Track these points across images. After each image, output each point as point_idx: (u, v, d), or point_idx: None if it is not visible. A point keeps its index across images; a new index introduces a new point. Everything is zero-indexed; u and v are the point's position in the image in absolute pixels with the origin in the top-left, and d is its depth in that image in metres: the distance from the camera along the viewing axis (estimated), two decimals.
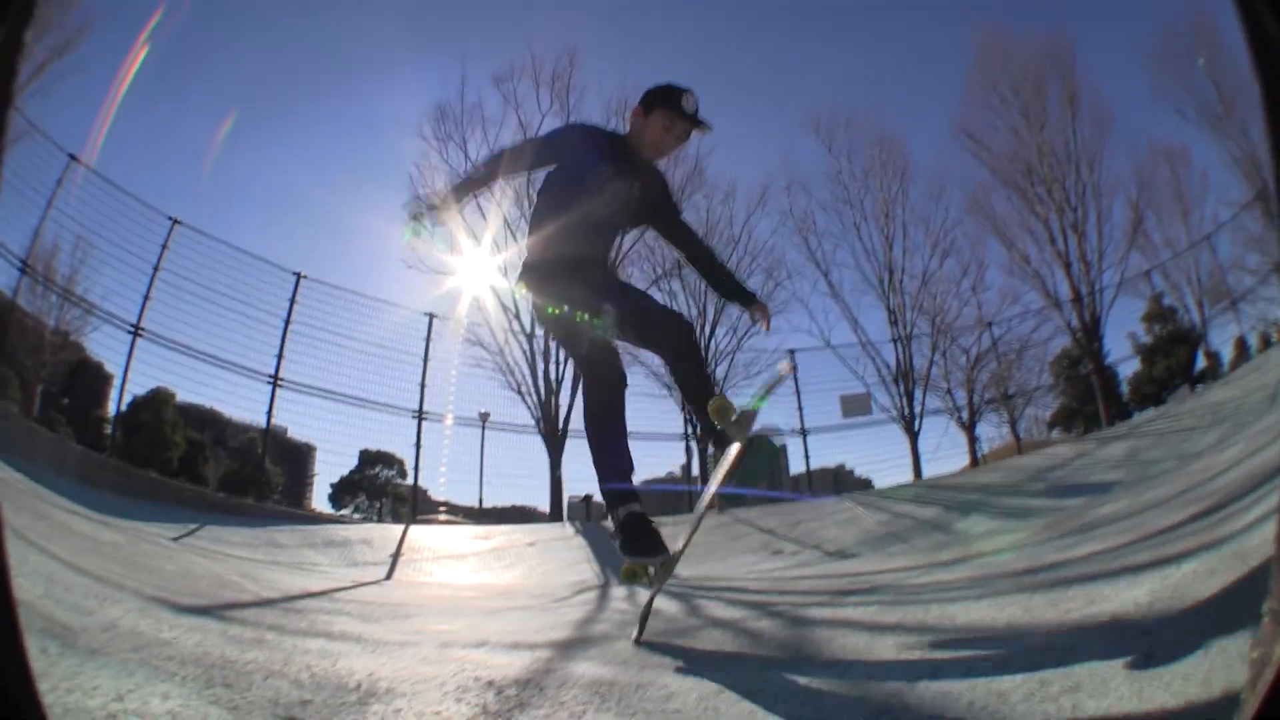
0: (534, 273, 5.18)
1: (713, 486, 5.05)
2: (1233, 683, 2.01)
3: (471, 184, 5.45)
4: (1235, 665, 2.11)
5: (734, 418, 4.76)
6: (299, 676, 3.26)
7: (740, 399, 4.93)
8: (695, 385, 5.03)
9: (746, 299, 5.62)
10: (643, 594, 5.10)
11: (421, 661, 3.90)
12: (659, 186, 5.52)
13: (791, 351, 27.34)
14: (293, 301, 21.35)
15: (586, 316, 4.85)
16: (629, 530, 4.56)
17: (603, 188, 5.09)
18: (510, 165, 5.35)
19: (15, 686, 1.45)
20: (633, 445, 4.93)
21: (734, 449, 4.75)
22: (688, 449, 28.47)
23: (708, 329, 29.81)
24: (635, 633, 4.47)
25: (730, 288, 5.73)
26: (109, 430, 27.87)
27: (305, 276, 21.61)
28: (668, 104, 5.11)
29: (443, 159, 29.05)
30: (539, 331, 27.15)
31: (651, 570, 4.54)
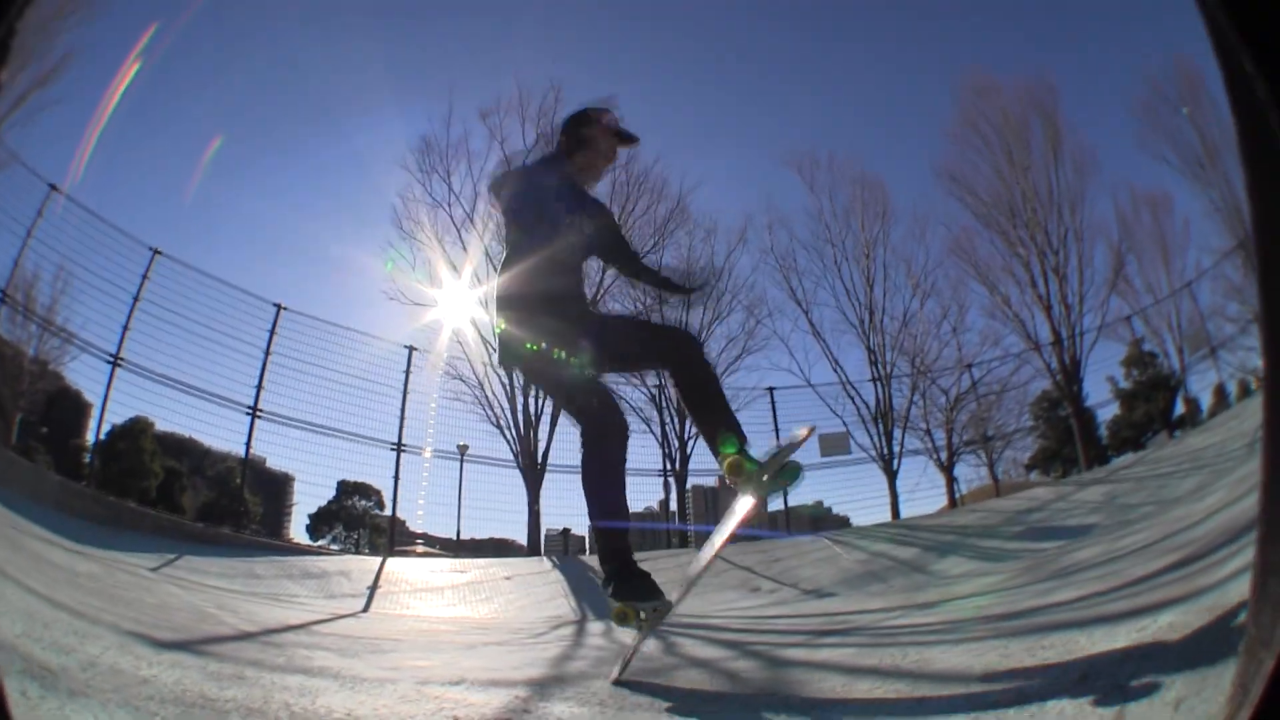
0: (511, 307, 5.00)
1: (718, 540, 4.75)
2: None
3: None
4: None
5: (749, 476, 4.56)
6: (278, 715, 3.25)
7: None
8: (711, 412, 4.90)
9: (679, 288, 5.83)
10: (623, 633, 5.04)
11: (400, 700, 3.90)
12: (605, 218, 5.52)
13: (771, 389, 27.33)
14: (273, 332, 21.43)
15: (564, 354, 4.73)
16: (622, 574, 4.52)
17: (563, 219, 5.04)
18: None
19: None
20: None
21: (747, 504, 4.54)
22: (666, 484, 28.46)
23: None
24: (615, 671, 4.43)
25: (662, 282, 5.83)
26: (87, 459, 27.77)
27: (285, 308, 21.68)
28: (591, 126, 5.20)
29: (427, 191, 29.15)
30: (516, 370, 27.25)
31: (643, 614, 4.46)
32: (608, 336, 4.98)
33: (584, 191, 5.37)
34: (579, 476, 4.74)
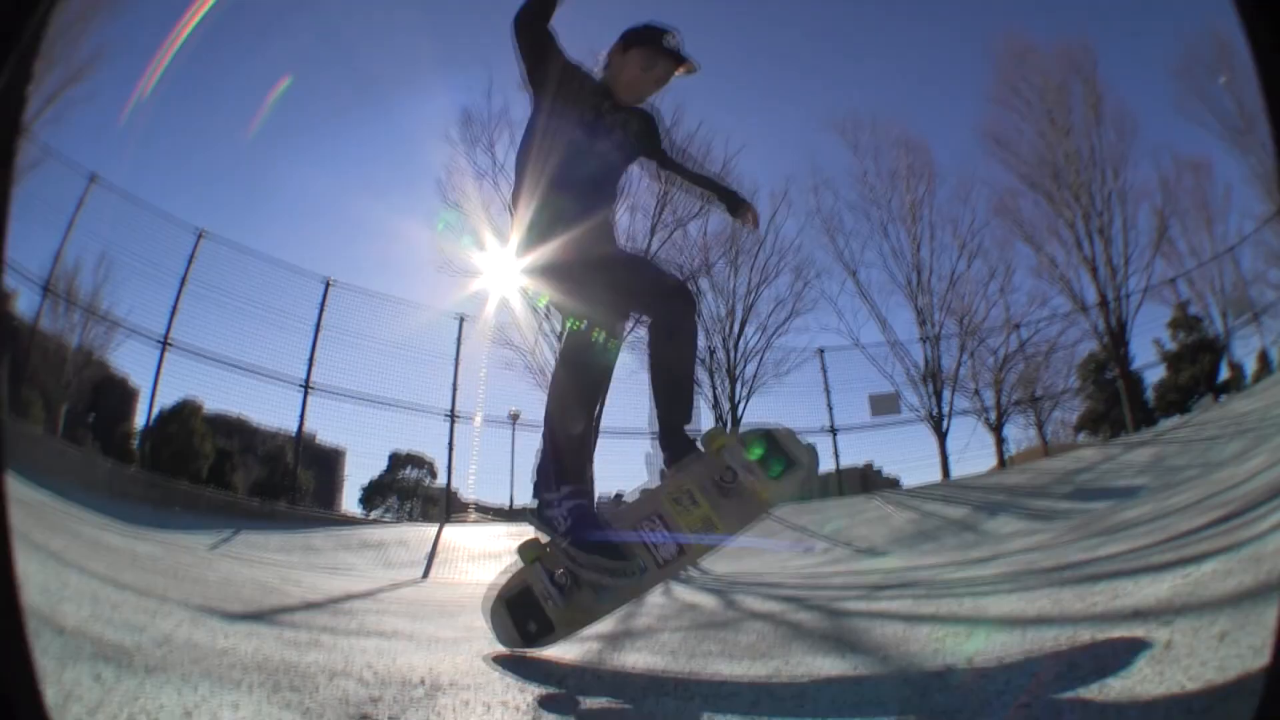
0: (552, 278, 4.65)
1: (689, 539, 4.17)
2: (1247, 670, 2.17)
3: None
4: (1249, 655, 2.26)
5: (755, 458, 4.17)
6: (363, 675, 3.32)
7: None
8: (672, 388, 4.59)
9: (731, 197, 5.35)
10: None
11: (478, 655, 4.02)
12: (651, 125, 5.10)
13: (821, 350, 27.31)
14: (322, 307, 21.58)
15: (602, 336, 4.46)
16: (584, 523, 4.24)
17: (600, 126, 4.71)
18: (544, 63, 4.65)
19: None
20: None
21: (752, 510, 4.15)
22: None
23: (735, 327, 30.05)
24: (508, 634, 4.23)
25: (715, 187, 5.46)
26: (136, 444, 28.05)
27: (334, 282, 21.81)
28: (647, 41, 4.75)
29: (470, 162, 29.13)
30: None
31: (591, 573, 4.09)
32: (615, 260, 4.88)
33: (623, 105, 4.91)
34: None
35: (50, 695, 2.34)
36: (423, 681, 3.27)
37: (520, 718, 2.69)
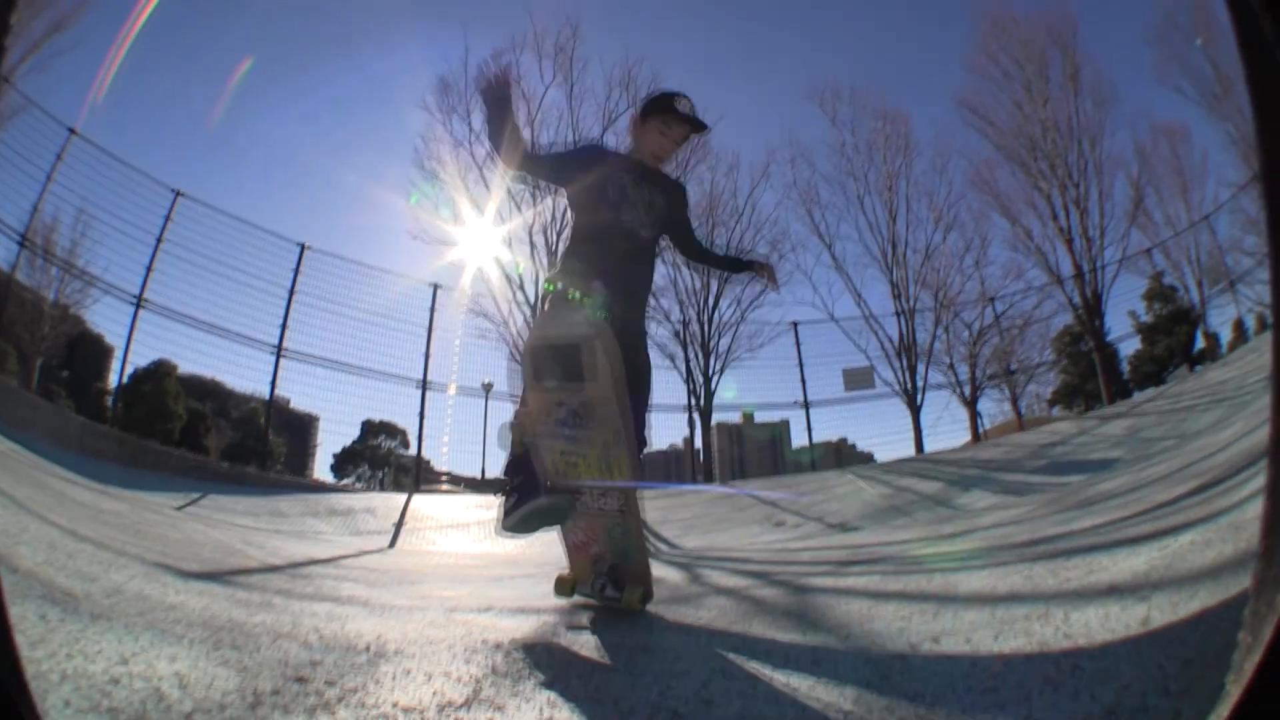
0: (571, 261, 5.00)
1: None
2: (1225, 646, 2.07)
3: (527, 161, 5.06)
4: (1229, 629, 2.16)
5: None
6: (308, 638, 3.29)
7: None
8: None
9: (745, 266, 5.93)
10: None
11: (429, 625, 3.95)
12: (678, 198, 5.50)
13: (795, 323, 27.27)
14: (297, 272, 21.46)
15: (578, 296, 4.63)
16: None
17: (625, 199, 5.02)
18: (549, 171, 5.24)
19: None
20: None
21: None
22: (690, 421, 28.46)
23: (710, 300, 30.10)
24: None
25: (730, 264, 6.03)
26: (109, 402, 27.99)
27: (310, 248, 21.73)
28: (661, 109, 5.21)
29: (447, 130, 28.99)
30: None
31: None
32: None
33: (653, 170, 5.35)
34: None
35: None
36: (368, 648, 3.24)
37: (461, 689, 2.61)
